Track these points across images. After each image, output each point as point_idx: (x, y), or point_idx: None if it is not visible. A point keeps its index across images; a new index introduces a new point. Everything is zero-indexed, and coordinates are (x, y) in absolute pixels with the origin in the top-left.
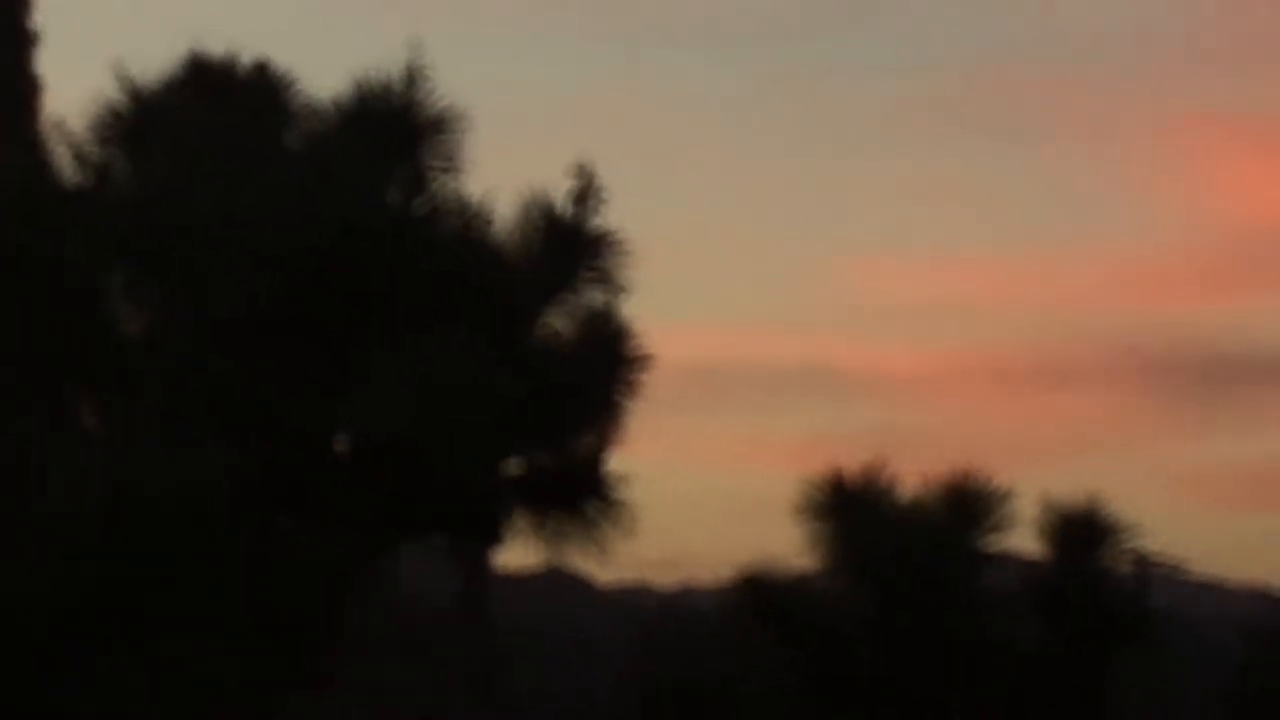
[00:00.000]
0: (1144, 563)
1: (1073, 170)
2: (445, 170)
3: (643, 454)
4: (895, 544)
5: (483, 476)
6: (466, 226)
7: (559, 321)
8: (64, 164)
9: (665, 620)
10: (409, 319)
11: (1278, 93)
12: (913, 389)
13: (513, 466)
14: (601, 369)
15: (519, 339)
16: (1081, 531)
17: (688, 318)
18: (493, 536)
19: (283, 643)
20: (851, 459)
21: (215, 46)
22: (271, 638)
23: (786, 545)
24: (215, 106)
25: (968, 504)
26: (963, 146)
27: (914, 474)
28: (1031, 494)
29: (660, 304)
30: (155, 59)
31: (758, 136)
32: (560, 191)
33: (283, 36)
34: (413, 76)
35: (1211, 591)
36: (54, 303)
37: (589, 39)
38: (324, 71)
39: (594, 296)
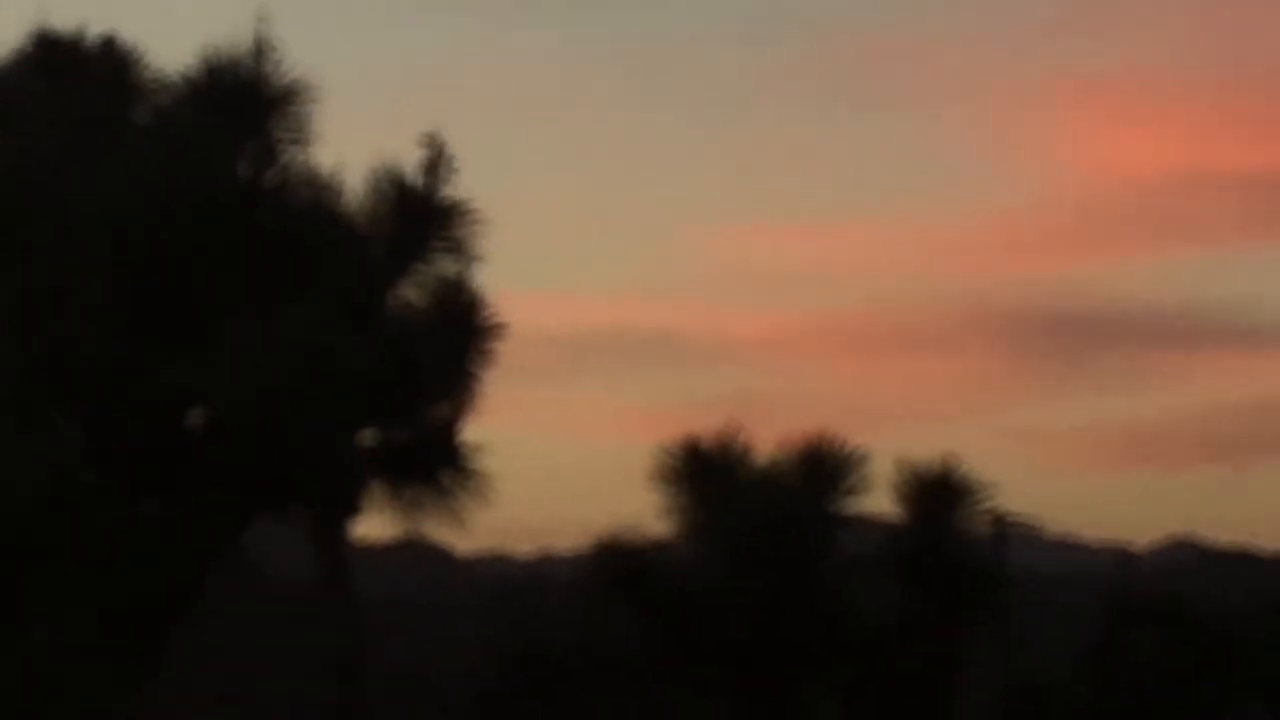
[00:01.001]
0: (1000, 523)
1: (925, 135)
2: (295, 142)
3: (498, 423)
4: (750, 510)
5: (338, 448)
6: (317, 198)
7: (412, 292)
8: None
9: (522, 589)
10: (261, 291)
11: (1129, 55)
12: (767, 354)
13: (368, 438)
14: (455, 339)
15: (372, 310)
16: (937, 493)
17: (540, 286)
18: (350, 509)
19: (142, 622)
20: (706, 425)
21: (62, 22)
22: (131, 618)
23: (642, 512)
24: (63, 82)
25: (823, 468)
26: (814, 112)
27: (769, 439)
28: (887, 457)
29: (513, 273)
30: (2, 35)
31: (609, 105)
32: (411, 162)
33: (130, 11)
34: (261, 49)
35: (1067, 550)
36: None
37: (437, 9)
38: (172, 45)
39: (446, 266)
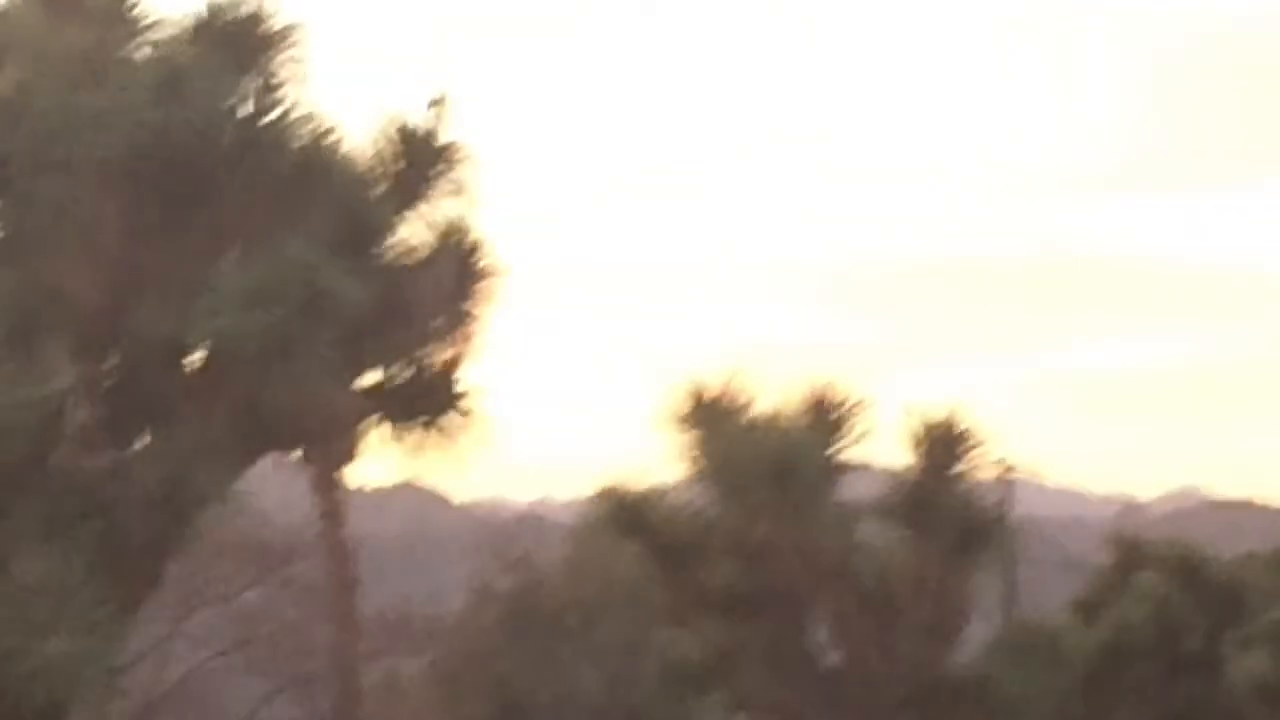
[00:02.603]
0: (1006, 470)
1: (924, 69)
2: (295, 80)
3: (499, 366)
4: (754, 455)
5: (335, 390)
6: (317, 137)
7: (412, 233)
8: None
9: (518, 534)
10: (259, 230)
11: None
12: (773, 299)
13: (367, 380)
14: (456, 280)
15: (371, 251)
16: (943, 439)
17: (543, 225)
18: (347, 449)
19: (135, 562)
20: (712, 370)
21: None
22: (123, 557)
23: (647, 456)
24: (62, 18)
25: (828, 414)
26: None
27: (774, 385)
28: (893, 404)
29: (515, 212)
30: None
31: (619, 35)
32: (412, 101)
33: None
34: None
35: (1073, 497)
36: None
37: None
38: None
39: (448, 207)
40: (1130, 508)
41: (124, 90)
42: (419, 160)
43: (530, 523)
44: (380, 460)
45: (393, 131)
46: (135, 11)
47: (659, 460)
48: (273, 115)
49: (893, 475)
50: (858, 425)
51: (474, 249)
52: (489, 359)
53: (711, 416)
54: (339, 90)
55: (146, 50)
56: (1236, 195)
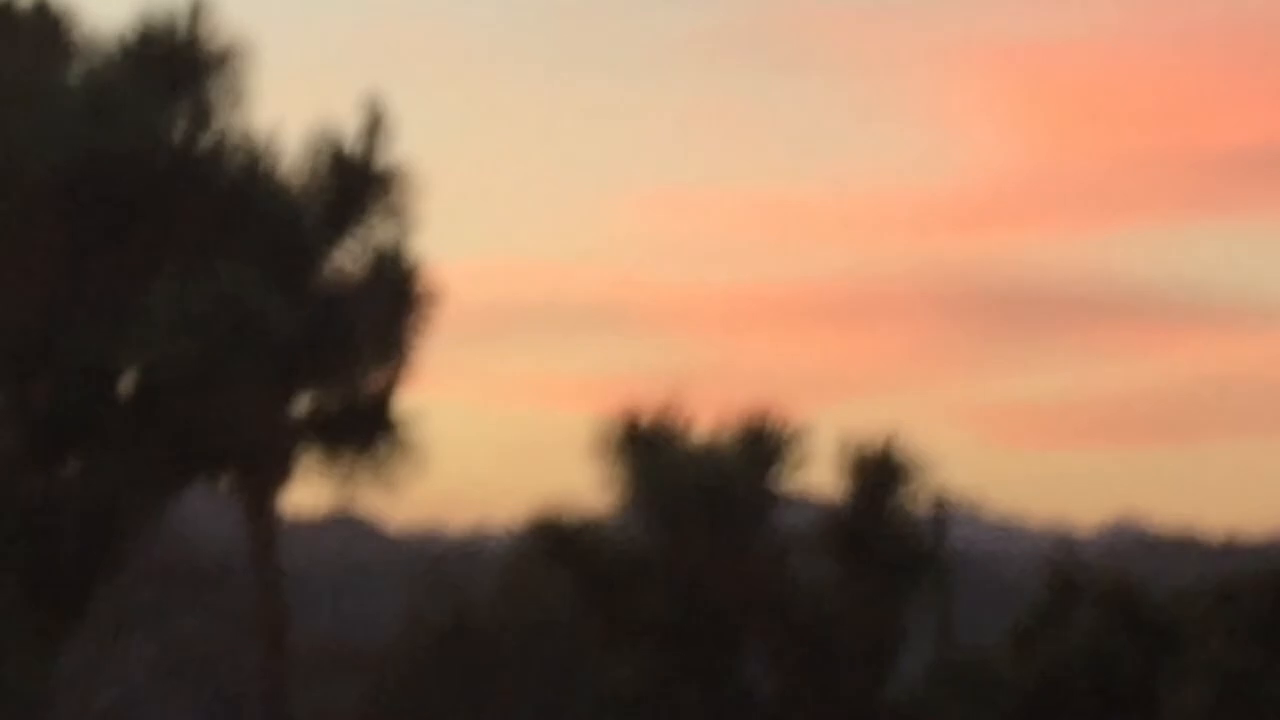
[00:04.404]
0: (941, 501)
1: (866, 103)
2: (230, 105)
3: (433, 392)
4: (689, 483)
5: (268, 414)
6: (252, 161)
7: (347, 257)
8: None
9: (452, 564)
10: (193, 254)
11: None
12: (706, 325)
13: (302, 405)
14: (390, 306)
15: (305, 275)
16: (878, 471)
17: (477, 254)
18: (280, 475)
19: (65, 586)
20: (646, 397)
21: None
22: (53, 581)
23: (580, 485)
24: None
25: (762, 443)
26: (746, 80)
27: (709, 412)
28: (829, 432)
29: (450, 240)
30: None
31: (544, 70)
32: (348, 126)
33: None
34: (196, 11)
35: (1008, 530)
36: None
37: None
38: (106, 6)
39: (383, 232)
40: (1067, 540)
41: (58, 115)
42: (353, 185)
43: (464, 552)
44: (313, 487)
45: (327, 156)
46: (69, 36)
47: (593, 489)
48: (206, 139)
49: (828, 505)
50: (793, 455)
51: (408, 274)
52: (424, 385)
53: (646, 445)
54: (274, 113)
55: (80, 75)
56: (1166, 225)
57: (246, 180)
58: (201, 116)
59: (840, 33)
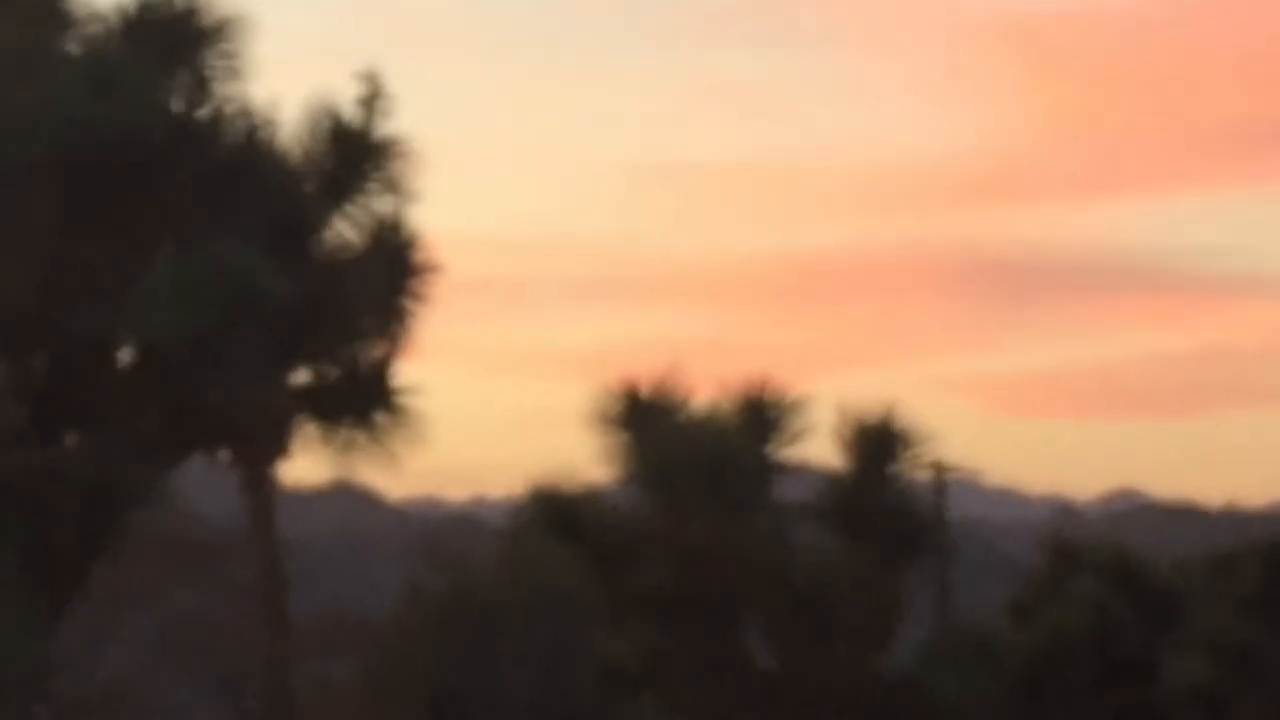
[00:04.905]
0: (941, 472)
1: (856, 76)
2: (229, 76)
3: (432, 364)
4: (688, 455)
5: (267, 387)
6: (251, 133)
7: (346, 229)
8: None
9: (451, 535)
10: (191, 226)
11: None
12: (704, 298)
13: (299, 377)
14: (389, 278)
15: (304, 247)
16: (878, 442)
17: (476, 227)
18: (278, 448)
19: (65, 560)
20: (645, 368)
21: None
22: (53, 555)
23: (579, 457)
24: None
25: (762, 414)
26: (743, 53)
27: (707, 384)
28: (828, 404)
29: (450, 212)
30: None
31: (541, 43)
32: (347, 97)
33: None
34: None
35: (1008, 499)
36: None
37: None
38: None
39: (382, 204)
40: (1067, 509)
41: (55, 86)
42: (352, 156)
43: (463, 523)
44: (313, 460)
45: (326, 127)
46: (66, 6)
47: (593, 461)
48: (205, 111)
49: (827, 476)
50: (792, 426)
51: (407, 246)
52: (423, 357)
53: (645, 417)
54: (272, 85)
55: (77, 46)
56: (1160, 196)
57: (245, 152)
58: (200, 88)
59: (836, 6)
